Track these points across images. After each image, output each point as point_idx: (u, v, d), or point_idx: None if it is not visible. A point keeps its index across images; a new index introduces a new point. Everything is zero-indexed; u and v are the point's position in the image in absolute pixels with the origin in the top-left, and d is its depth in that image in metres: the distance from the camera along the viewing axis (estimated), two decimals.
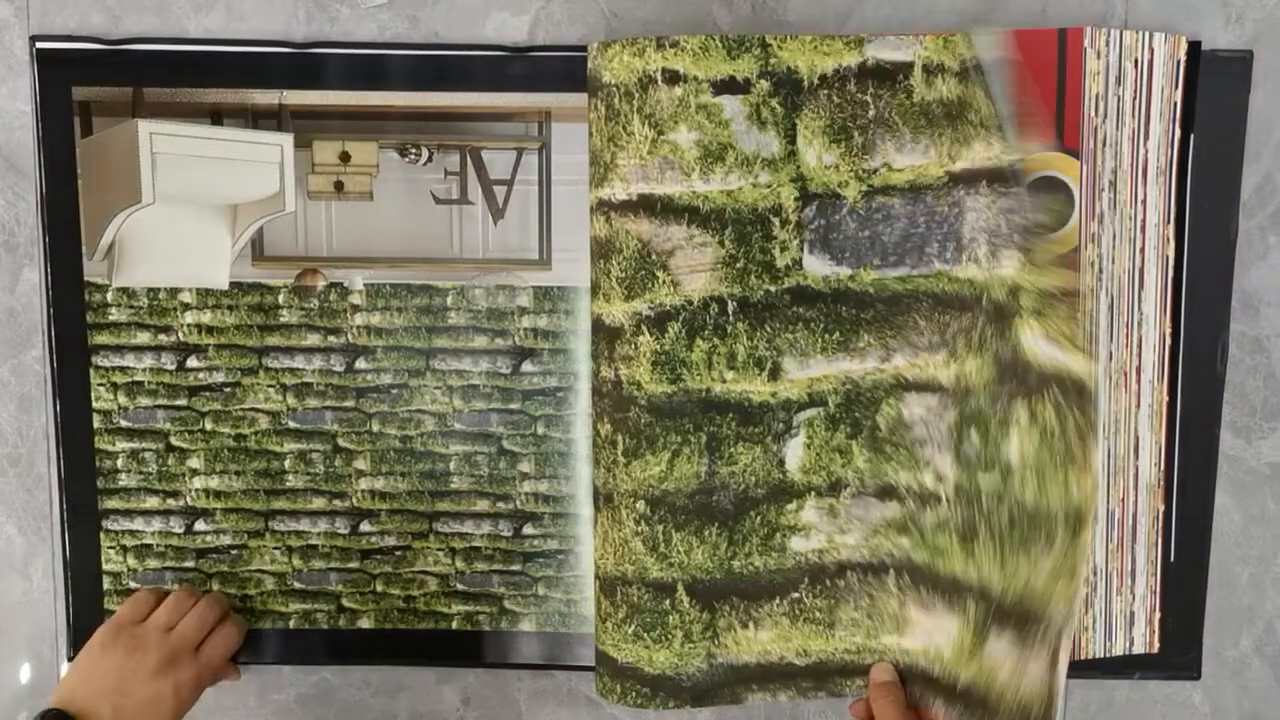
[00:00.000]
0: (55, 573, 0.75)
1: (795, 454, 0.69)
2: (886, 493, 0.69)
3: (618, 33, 0.71)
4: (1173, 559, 0.74)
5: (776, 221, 0.67)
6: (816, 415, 0.69)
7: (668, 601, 0.68)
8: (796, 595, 0.69)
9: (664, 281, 0.66)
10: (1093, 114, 0.69)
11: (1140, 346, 0.72)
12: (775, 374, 0.68)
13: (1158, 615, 0.74)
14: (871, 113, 0.66)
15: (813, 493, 0.69)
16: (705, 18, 0.71)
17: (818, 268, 0.67)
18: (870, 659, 0.70)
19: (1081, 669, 0.75)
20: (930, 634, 0.69)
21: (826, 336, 0.68)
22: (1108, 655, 0.74)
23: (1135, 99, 0.69)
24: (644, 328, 0.67)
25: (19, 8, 0.71)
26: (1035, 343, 0.66)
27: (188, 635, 0.69)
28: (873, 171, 0.67)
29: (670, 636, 0.69)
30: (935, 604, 0.69)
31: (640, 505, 0.67)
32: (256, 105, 0.71)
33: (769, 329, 0.67)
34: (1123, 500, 0.73)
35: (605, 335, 0.67)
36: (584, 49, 0.68)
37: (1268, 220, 0.73)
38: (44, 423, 0.74)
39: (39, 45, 0.71)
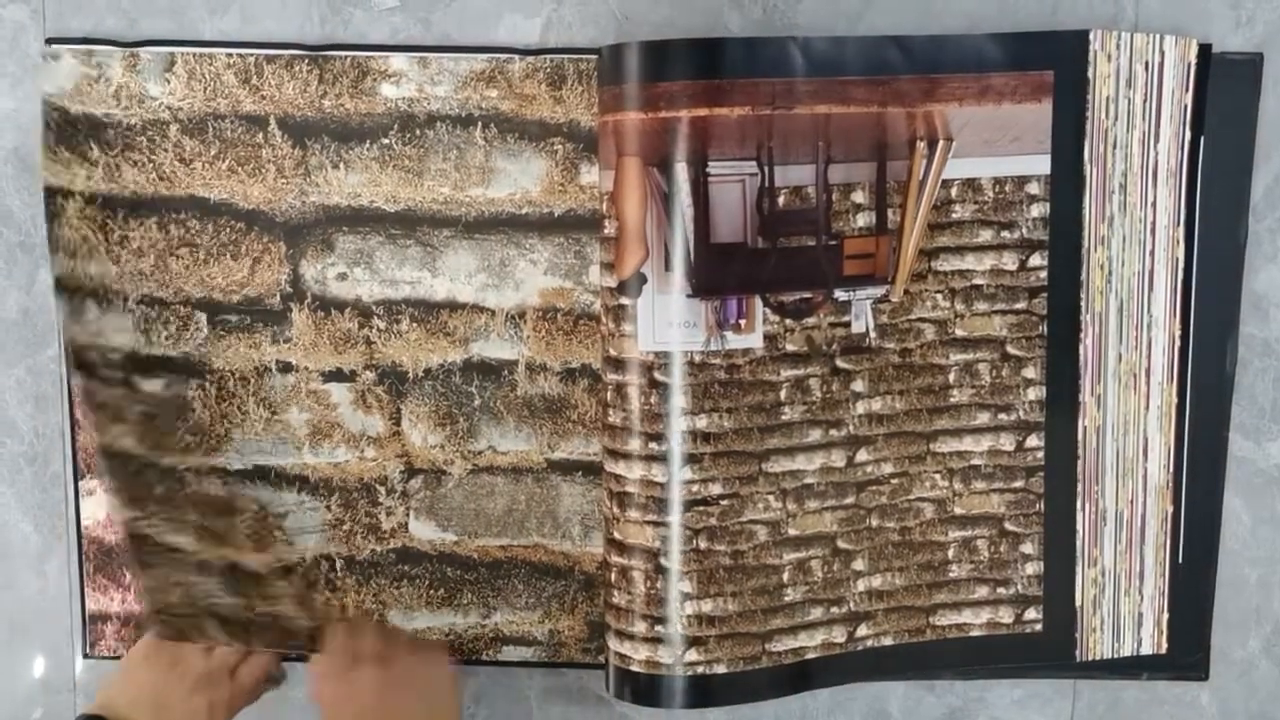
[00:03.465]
0: (70, 570, 0.76)
1: None
2: None
3: (629, 35, 0.71)
4: (1181, 560, 0.74)
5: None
6: None
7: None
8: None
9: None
10: (1103, 116, 0.69)
11: (1150, 348, 0.72)
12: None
13: (1166, 616, 0.74)
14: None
15: None
16: (716, 20, 0.71)
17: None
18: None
19: (1089, 669, 0.75)
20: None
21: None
22: (1115, 656, 0.74)
23: (1145, 102, 0.70)
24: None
25: (35, 10, 0.72)
26: None
27: (227, 657, 0.70)
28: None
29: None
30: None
31: None
32: None
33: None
34: (1131, 501, 0.73)
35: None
36: (596, 51, 0.69)
37: (1277, 223, 0.73)
38: (59, 421, 0.75)
39: (55, 48, 0.71)
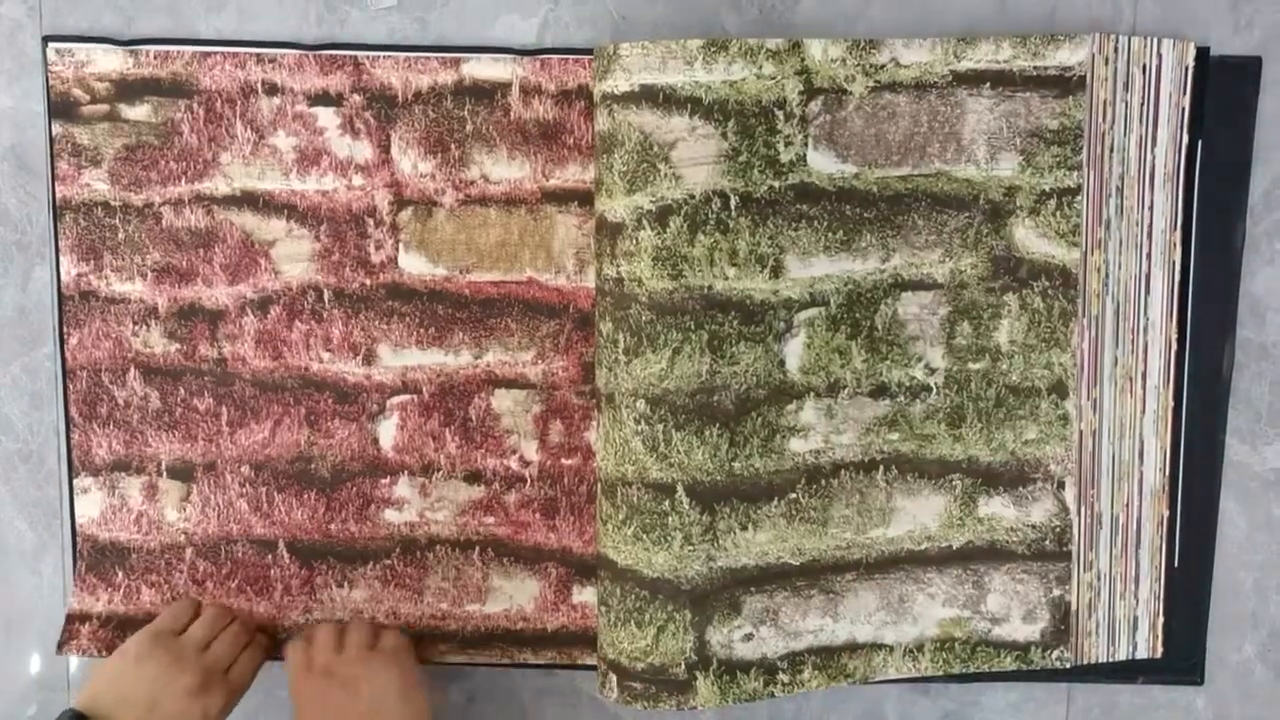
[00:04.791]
0: (65, 567, 0.76)
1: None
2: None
3: (625, 35, 0.71)
4: (1177, 564, 0.74)
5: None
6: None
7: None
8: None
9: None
10: (1100, 120, 0.69)
11: (1146, 352, 0.72)
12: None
13: (1161, 620, 0.74)
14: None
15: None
16: (713, 20, 0.71)
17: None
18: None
19: (1084, 673, 0.75)
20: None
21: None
22: (1111, 660, 0.74)
23: (1143, 105, 0.69)
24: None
25: (32, 8, 0.72)
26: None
27: (222, 657, 0.69)
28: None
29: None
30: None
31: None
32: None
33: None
34: (1127, 505, 0.73)
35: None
36: (592, 51, 0.69)
37: (1274, 226, 0.73)
38: (54, 419, 0.75)
39: (51, 45, 0.71)
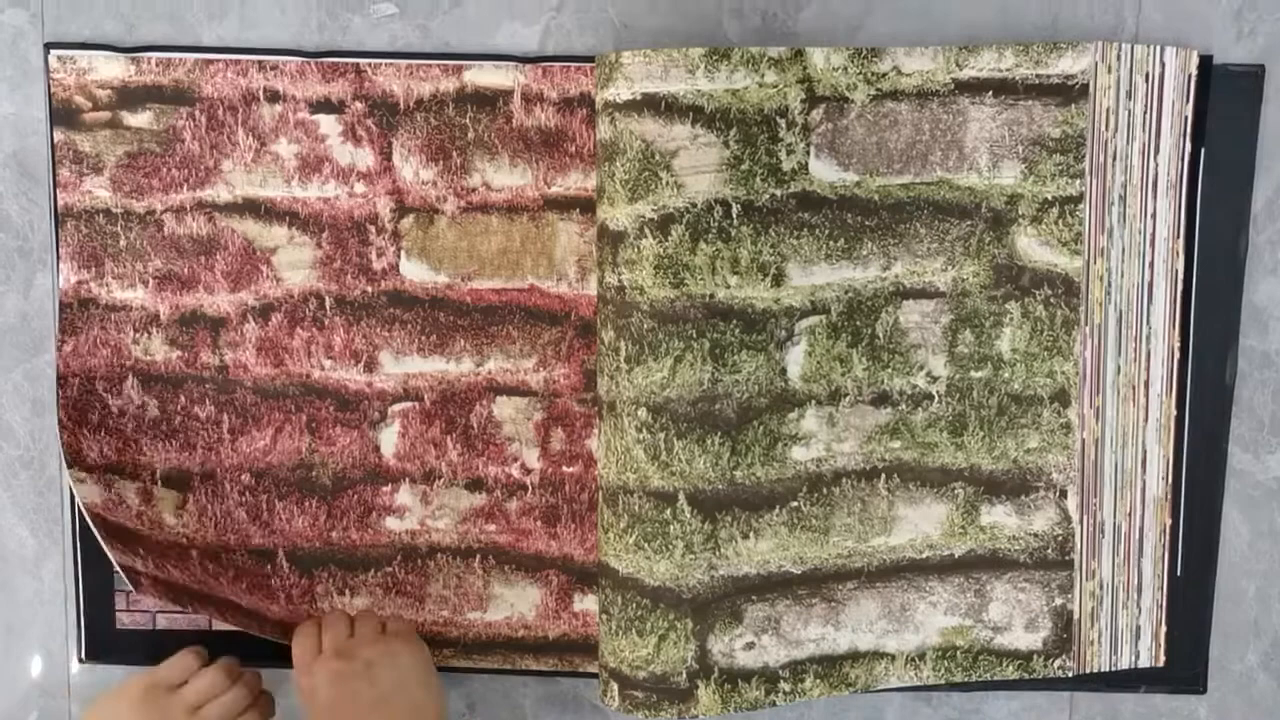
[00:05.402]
0: (66, 574, 0.76)
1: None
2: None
3: (628, 43, 0.71)
4: (1179, 573, 0.74)
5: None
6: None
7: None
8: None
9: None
10: (1103, 128, 0.69)
11: (1149, 360, 0.72)
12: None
13: (1164, 629, 0.74)
14: None
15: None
16: (715, 28, 0.71)
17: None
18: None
19: (1087, 681, 0.75)
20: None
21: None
22: (1113, 668, 0.74)
23: (1146, 113, 0.69)
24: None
25: (34, 15, 0.72)
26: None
27: (221, 713, 0.67)
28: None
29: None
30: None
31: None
32: None
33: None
34: (1130, 514, 0.73)
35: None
36: (594, 59, 0.69)
37: (1278, 235, 0.73)
38: (55, 425, 0.75)
39: (53, 52, 0.71)
